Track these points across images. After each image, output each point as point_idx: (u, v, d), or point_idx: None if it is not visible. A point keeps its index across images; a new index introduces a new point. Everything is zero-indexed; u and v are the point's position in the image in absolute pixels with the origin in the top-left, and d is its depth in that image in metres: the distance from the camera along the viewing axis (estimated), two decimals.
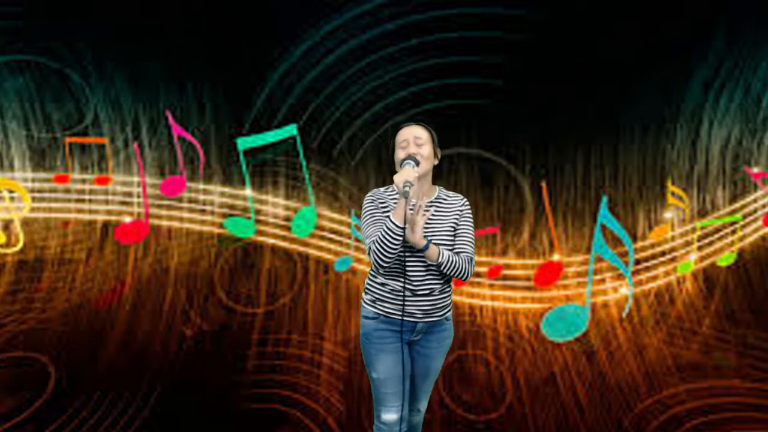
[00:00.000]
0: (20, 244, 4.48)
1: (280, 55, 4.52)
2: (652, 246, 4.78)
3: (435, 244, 2.23)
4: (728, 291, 4.71)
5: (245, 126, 4.54)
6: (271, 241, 4.68)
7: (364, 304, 2.35)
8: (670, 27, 4.48)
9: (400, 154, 2.28)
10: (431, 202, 2.33)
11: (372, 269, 2.31)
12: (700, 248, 4.77)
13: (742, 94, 4.75)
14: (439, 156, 2.38)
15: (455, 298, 4.62)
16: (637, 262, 4.72)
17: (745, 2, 4.58)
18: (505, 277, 4.67)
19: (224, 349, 4.05)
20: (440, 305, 2.31)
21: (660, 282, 4.75)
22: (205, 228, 4.69)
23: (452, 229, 2.31)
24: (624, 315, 4.47)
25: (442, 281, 2.29)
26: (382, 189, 2.36)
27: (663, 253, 4.78)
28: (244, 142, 4.14)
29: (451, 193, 2.39)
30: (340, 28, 4.49)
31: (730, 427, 3.31)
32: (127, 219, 4.51)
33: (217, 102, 4.59)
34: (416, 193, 2.28)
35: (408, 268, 2.24)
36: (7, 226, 4.51)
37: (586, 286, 4.52)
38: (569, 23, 4.48)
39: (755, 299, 4.66)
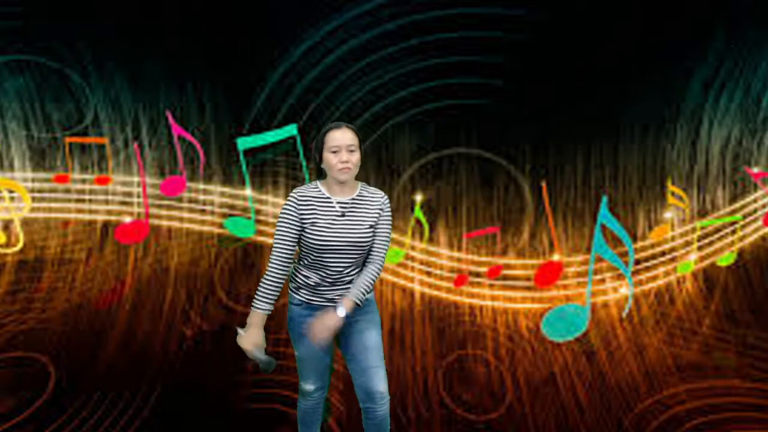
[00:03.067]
0: (20, 244, 4.48)
1: (280, 55, 4.52)
2: (652, 246, 4.78)
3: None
4: (728, 291, 4.71)
5: (245, 126, 4.54)
6: (271, 241, 4.68)
7: (290, 291, 2.49)
8: (670, 27, 4.48)
9: (331, 160, 2.31)
10: (353, 199, 2.38)
11: (298, 260, 2.46)
12: (700, 248, 4.78)
13: (742, 94, 4.75)
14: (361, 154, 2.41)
15: (455, 298, 4.62)
16: (637, 262, 4.72)
17: (745, 2, 4.58)
18: (505, 277, 4.68)
19: (224, 349, 4.05)
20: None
21: (660, 282, 4.76)
22: (205, 228, 4.69)
23: (374, 223, 2.39)
24: (624, 315, 4.47)
25: (360, 270, 2.44)
26: (303, 188, 2.37)
27: (663, 253, 4.79)
28: (244, 142, 4.13)
29: (372, 189, 2.45)
30: (340, 28, 4.49)
31: (730, 427, 3.31)
32: (127, 219, 4.52)
33: (217, 102, 4.59)
34: (338, 193, 2.37)
35: (329, 264, 2.36)
36: (7, 226, 4.51)
37: (586, 286, 4.52)
38: (569, 23, 4.49)
39: (755, 299, 4.66)
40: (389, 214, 2.45)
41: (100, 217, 4.61)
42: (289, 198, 2.35)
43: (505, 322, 4.48)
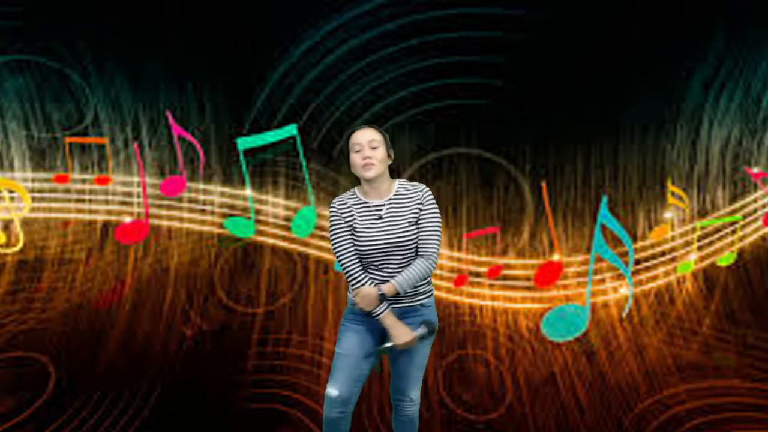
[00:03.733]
0: (20, 244, 4.48)
1: (280, 55, 4.52)
2: (652, 246, 4.78)
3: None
4: (728, 291, 4.71)
5: (245, 126, 4.54)
6: (271, 241, 4.68)
7: (349, 295, 2.46)
8: (670, 27, 4.48)
9: (355, 159, 2.33)
10: (390, 199, 2.36)
11: None
12: (700, 248, 4.78)
13: (742, 94, 4.75)
14: (392, 156, 2.40)
15: (455, 298, 4.62)
16: (637, 262, 4.72)
17: (745, 2, 4.58)
18: (505, 277, 4.68)
19: (224, 349, 4.06)
20: (411, 293, 2.38)
21: (660, 282, 4.76)
22: (205, 228, 4.69)
23: (414, 219, 2.34)
24: (624, 315, 4.47)
25: None
26: (341, 196, 2.40)
27: (663, 253, 4.78)
28: (244, 142, 4.14)
29: (411, 185, 2.39)
30: (340, 28, 4.49)
31: (730, 427, 3.31)
32: (127, 219, 4.52)
33: (217, 102, 4.59)
34: (374, 196, 2.36)
35: (380, 265, 2.34)
36: (7, 226, 4.51)
37: (586, 286, 4.52)
38: (569, 23, 4.49)
39: (755, 299, 4.66)
40: (432, 205, 2.36)
41: (100, 217, 4.61)
42: (330, 207, 2.38)
43: (505, 322, 4.48)
